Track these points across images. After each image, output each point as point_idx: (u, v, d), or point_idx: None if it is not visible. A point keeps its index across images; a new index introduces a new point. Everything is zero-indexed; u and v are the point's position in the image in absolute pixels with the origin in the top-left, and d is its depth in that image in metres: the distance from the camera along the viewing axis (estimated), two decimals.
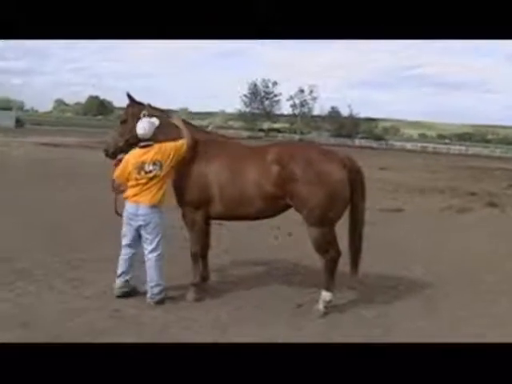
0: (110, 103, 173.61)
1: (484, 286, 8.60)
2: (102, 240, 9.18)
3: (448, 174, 34.01)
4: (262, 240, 10.82)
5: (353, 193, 6.61)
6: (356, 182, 6.65)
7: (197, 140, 7.02)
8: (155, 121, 6.95)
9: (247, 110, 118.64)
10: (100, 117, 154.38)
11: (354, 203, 6.71)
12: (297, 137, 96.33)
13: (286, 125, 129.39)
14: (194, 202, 6.85)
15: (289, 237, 11.31)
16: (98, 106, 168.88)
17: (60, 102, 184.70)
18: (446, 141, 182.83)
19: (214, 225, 7.98)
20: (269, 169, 6.52)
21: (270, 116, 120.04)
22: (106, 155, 7.32)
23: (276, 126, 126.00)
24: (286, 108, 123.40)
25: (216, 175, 6.74)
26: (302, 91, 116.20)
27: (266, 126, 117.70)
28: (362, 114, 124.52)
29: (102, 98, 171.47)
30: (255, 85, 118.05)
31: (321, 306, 6.80)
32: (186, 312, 6.58)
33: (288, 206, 6.77)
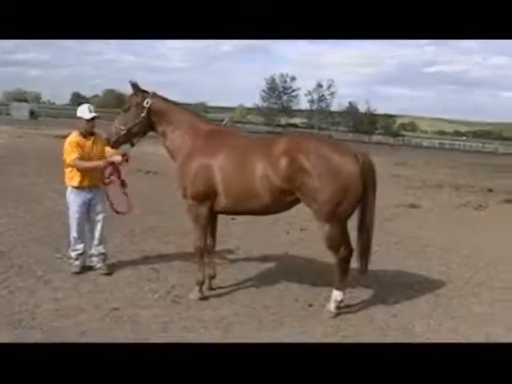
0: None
1: (501, 284, 8.23)
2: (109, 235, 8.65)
3: (464, 170, 33.42)
4: (275, 235, 10.47)
5: (364, 188, 6.21)
6: (368, 176, 6.23)
7: (200, 130, 6.69)
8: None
9: (265, 104, 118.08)
10: (117, 110, 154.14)
11: (364, 198, 6.29)
12: (314, 132, 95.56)
13: (304, 120, 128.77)
14: (197, 195, 6.48)
15: (302, 232, 10.95)
16: (116, 99, 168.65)
17: (77, 95, 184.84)
18: (463, 138, 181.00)
19: (226, 219, 7.68)
20: (277, 162, 6.12)
21: (287, 111, 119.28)
22: (108, 145, 7.02)
23: (294, 121, 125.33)
24: (303, 103, 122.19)
25: (221, 167, 6.37)
26: (320, 86, 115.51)
27: (283, 121, 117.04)
28: (380, 110, 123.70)
29: (120, 91, 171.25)
30: (273, 80, 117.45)
31: (332, 306, 6.44)
32: (189, 311, 6.25)
33: (297, 201, 6.38)
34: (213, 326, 5.83)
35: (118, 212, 7.55)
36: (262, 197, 6.24)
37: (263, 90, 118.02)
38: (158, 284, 7.08)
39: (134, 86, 6.86)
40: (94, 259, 7.48)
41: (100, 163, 7.17)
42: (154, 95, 6.86)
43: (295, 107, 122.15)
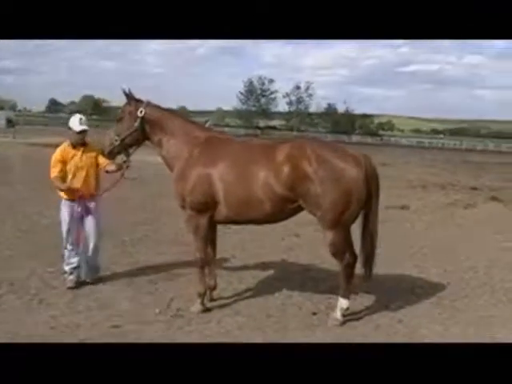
0: (106, 102, 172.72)
1: (502, 285, 8.16)
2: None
3: (447, 169, 33.49)
4: (270, 242, 10.28)
5: (367, 192, 6.07)
6: (371, 181, 6.10)
7: (198, 138, 6.51)
8: None
9: (243, 107, 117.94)
10: (95, 116, 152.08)
11: (367, 203, 6.16)
12: (294, 134, 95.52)
13: (283, 122, 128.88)
14: (197, 205, 6.27)
15: (296, 237, 10.82)
16: (93, 106, 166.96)
17: (53, 102, 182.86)
18: (441, 136, 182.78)
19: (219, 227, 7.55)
20: (279, 169, 5.96)
21: (266, 113, 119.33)
22: (103, 155, 6.84)
23: (272, 123, 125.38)
24: (282, 105, 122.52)
25: (221, 176, 6.17)
26: (298, 88, 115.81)
27: (262, 123, 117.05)
28: (358, 110, 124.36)
29: (98, 97, 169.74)
30: (251, 82, 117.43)
31: (338, 314, 6.28)
32: (192, 325, 6.04)
33: (300, 209, 6.23)
34: (218, 341, 5.62)
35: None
36: (264, 206, 6.07)
37: (241, 93, 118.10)
38: (157, 297, 6.87)
39: (127, 94, 6.67)
40: (88, 272, 7.27)
41: (64, 187, 6.95)
42: (148, 104, 6.67)
43: (274, 109, 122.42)
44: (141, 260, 8.51)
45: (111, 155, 6.78)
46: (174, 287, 7.27)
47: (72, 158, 7.04)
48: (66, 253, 7.17)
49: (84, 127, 7.02)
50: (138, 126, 6.56)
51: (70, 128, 7.04)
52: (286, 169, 5.92)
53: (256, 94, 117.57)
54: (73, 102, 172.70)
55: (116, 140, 6.63)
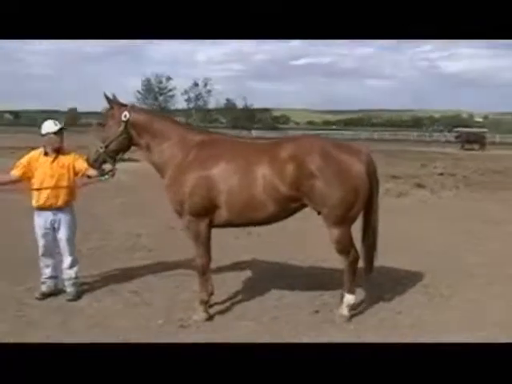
0: None
1: (471, 270, 8.43)
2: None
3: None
4: (226, 242, 10.03)
5: (370, 188, 6.10)
6: (372, 175, 6.13)
7: (191, 141, 6.26)
8: None
9: (142, 106, 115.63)
10: None
11: (369, 198, 6.17)
12: None
13: (182, 119, 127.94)
14: (196, 210, 6.02)
15: (249, 235, 10.68)
16: None
17: None
18: (333, 127, 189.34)
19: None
20: (283, 167, 5.84)
21: (165, 111, 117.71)
22: (89, 165, 6.45)
23: None
24: (181, 102, 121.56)
25: (221, 178, 5.95)
26: (196, 85, 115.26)
27: None
28: (255, 105, 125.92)
29: None
30: (149, 80, 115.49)
31: (345, 311, 6.28)
32: (200, 334, 5.79)
33: (303, 207, 6.17)
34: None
35: None
36: (268, 207, 5.94)
37: (139, 92, 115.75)
38: (148, 309, 6.53)
39: (109, 99, 6.32)
40: (66, 284, 6.94)
41: None
42: (133, 107, 6.38)
43: (172, 107, 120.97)
44: (110, 270, 8.09)
45: (96, 163, 6.40)
46: (159, 296, 6.97)
47: (41, 165, 6.70)
48: (41, 263, 6.94)
49: (60, 126, 6.76)
50: (123, 130, 6.23)
51: (44, 134, 6.70)
52: (290, 167, 5.82)
53: (154, 92, 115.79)
54: None
55: (101, 147, 6.27)
